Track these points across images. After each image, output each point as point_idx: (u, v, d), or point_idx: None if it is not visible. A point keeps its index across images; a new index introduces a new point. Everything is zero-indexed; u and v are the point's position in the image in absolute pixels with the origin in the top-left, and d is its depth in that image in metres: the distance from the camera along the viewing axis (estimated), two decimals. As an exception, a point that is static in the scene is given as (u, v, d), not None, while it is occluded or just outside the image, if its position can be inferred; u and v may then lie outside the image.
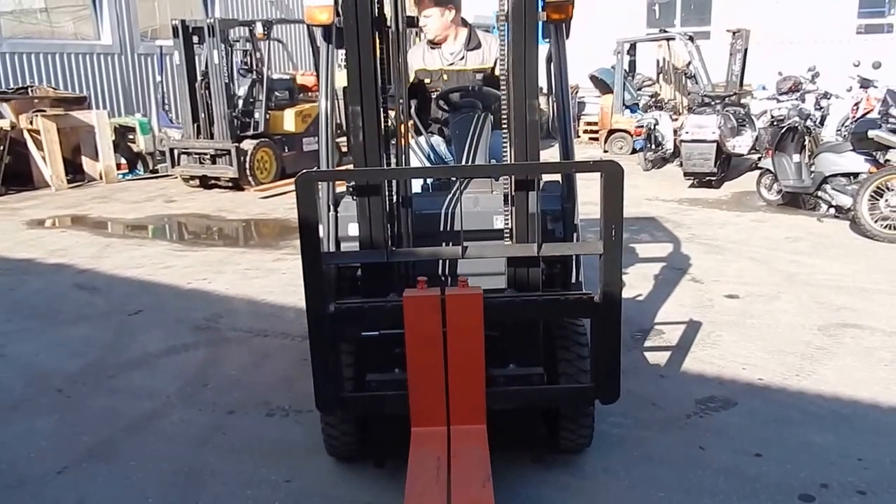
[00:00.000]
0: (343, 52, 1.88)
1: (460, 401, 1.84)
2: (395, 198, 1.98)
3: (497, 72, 2.31)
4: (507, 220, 1.96)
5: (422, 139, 2.61)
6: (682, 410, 2.46)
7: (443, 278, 2.04)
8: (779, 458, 2.16)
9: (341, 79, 2.31)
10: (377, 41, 1.88)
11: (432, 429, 1.86)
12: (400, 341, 1.82)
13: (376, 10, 1.89)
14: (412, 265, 2.01)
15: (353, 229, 2.00)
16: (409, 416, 1.86)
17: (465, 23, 2.64)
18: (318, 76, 2.30)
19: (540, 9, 1.93)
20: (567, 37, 2.21)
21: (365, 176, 1.89)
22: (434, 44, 2.61)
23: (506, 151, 1.98)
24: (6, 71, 8.07)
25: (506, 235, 1.98)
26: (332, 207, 2.16)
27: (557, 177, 2.29)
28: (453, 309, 1.77)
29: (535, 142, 1.89)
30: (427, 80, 2.65)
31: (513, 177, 1.91)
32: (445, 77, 2.51)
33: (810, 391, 2.59)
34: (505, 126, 1.97)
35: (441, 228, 2.10)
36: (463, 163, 2.30)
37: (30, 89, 7.83)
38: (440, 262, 2.10)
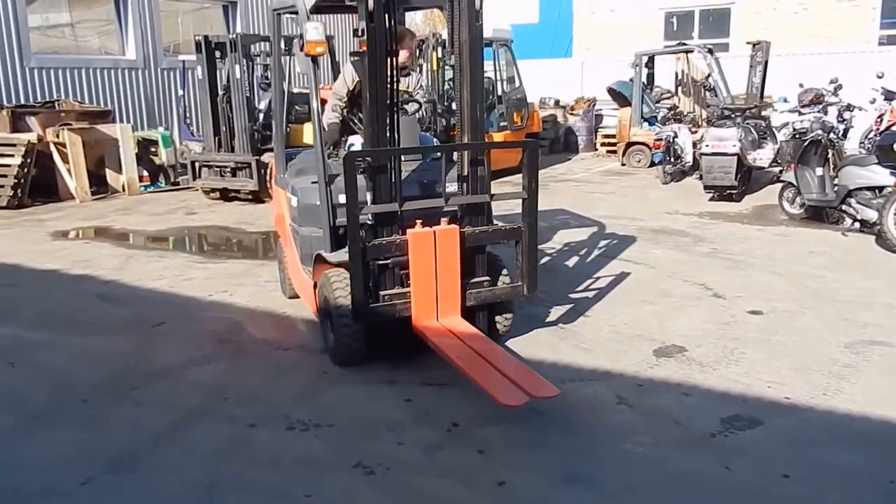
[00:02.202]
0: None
1: (446, 300, 2.85)
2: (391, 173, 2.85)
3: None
4: (459, 185, 3.01)
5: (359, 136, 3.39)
6: (706, 429, 2.41)
7: (416, 223, 2.84)
8: (807, 480, 2.11)
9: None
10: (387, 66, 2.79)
11: (430, 322, 2.82)
12: (395, 268, 2.84)
13: (392, 45, 2.80)
14: (400, 216, 2.85)
15: (343, 199, 2.74)
16: (407, 321, 2.81)
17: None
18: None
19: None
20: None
21: (383, 154, 2.80)
22: None
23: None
24: (34, 85, 8.30)
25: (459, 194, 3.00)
26: (327, 184, 2.96)
27: None
28: (441, 240, 2.81)
29: (482, 128, 2.94)
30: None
31: (468, 153, 2.94)
32: None
33: (838, 410, 2.53)
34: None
35: (418, 192, 3.02)
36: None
37: (56, 103, 8.04)
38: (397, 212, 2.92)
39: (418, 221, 2.80)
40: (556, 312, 3.63)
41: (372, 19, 2.71)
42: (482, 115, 2.92)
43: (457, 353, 2.61)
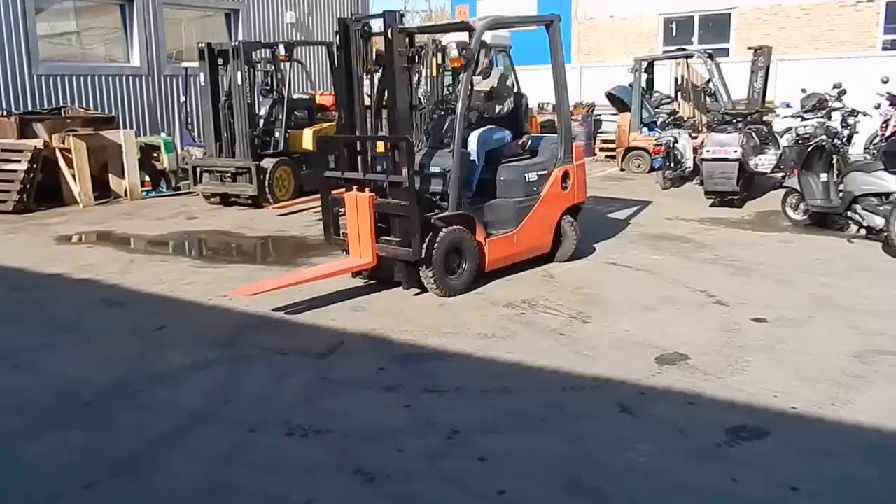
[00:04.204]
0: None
1: (363, 245, 3.96)
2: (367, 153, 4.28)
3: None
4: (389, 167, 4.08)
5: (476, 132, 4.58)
6: (711, 439, 2.38)
7: (353, 187, 4.06)
8: (818, 493, 2.07)
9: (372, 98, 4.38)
10: (362, 77, 4.18)
11: (355, 256, 4.03)
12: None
13: (352, 61, 4.12)
14: (362, 181, 4.08)
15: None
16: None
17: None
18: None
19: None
20: (475, 73, 4.39)
21: (343, 139, 4.34)
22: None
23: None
24: (41, 92, 8.35)
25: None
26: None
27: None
28: (359, 202, 3.93)
29: (402, 125, 3.99)
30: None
31: (388, 143, 4.04)
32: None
33: (848, 421, 2.49)
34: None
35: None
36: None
37: (63, 110, 8.08)
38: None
39: (354, 186, 3.98)
40: (558, 320, 3.61)
41: (339, 48, 4.13)
42: (400, 115, 4.02)
43: (313, 272, 4.13)
